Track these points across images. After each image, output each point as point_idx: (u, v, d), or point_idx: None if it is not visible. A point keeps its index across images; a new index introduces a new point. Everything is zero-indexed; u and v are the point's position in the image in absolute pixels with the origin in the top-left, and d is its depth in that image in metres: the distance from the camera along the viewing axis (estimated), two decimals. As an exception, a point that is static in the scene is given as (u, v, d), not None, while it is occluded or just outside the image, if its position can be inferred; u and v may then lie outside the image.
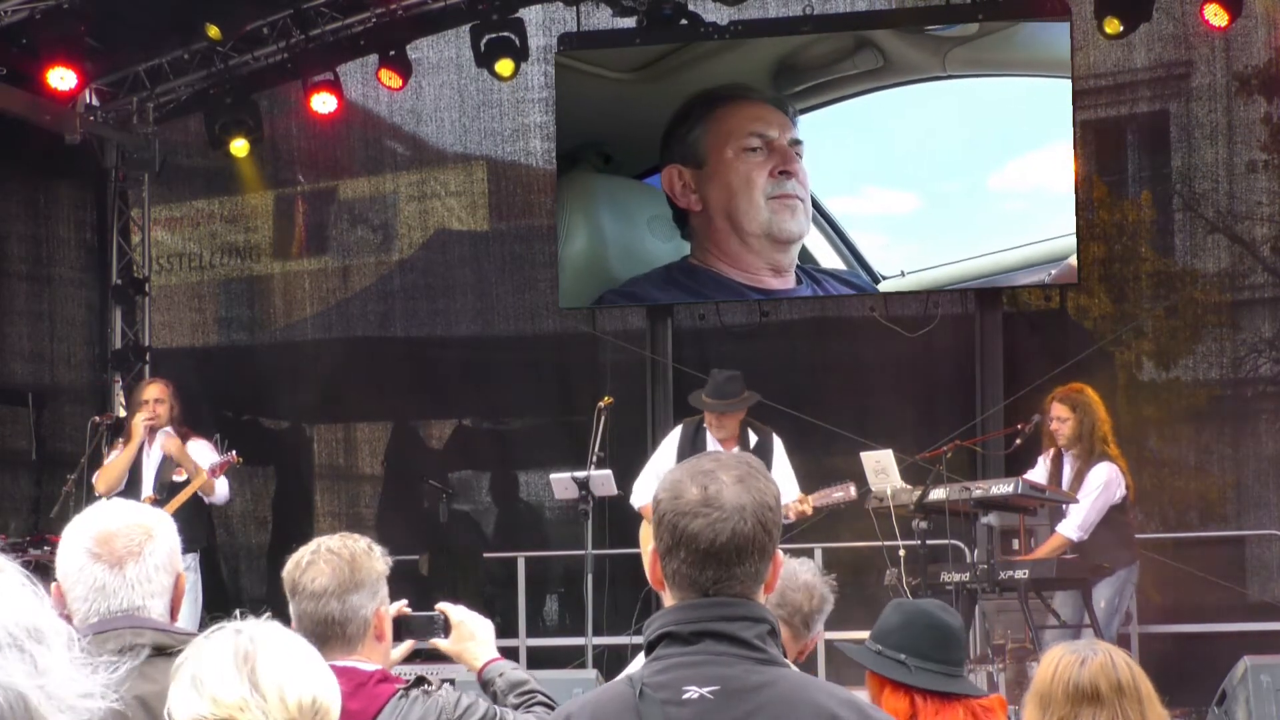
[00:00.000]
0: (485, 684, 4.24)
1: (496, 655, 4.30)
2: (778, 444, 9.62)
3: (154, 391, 10.29)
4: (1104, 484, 9.43)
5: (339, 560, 3.92)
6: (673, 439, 9.68)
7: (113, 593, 3.29)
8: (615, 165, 12.29)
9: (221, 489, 10.17)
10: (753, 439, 9.64)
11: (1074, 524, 9.39)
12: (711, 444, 9.46)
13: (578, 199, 12.39)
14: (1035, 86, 11.70)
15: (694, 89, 12.09)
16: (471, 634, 4.23)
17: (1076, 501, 9.42)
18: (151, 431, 10.20)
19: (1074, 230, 11.59)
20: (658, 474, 9.61)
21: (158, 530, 3.38)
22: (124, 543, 3.32)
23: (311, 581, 3.89)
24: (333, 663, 3.90)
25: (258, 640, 2.46)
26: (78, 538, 3.34)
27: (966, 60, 11.77)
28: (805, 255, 11.92)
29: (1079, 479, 9.49)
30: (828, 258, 11.93)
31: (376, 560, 3.97)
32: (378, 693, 3.89)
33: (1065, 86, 11.55)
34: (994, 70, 11.83)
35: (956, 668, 4.17)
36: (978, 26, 11.82)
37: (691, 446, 9.46)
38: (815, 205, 11.91)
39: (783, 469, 9.31)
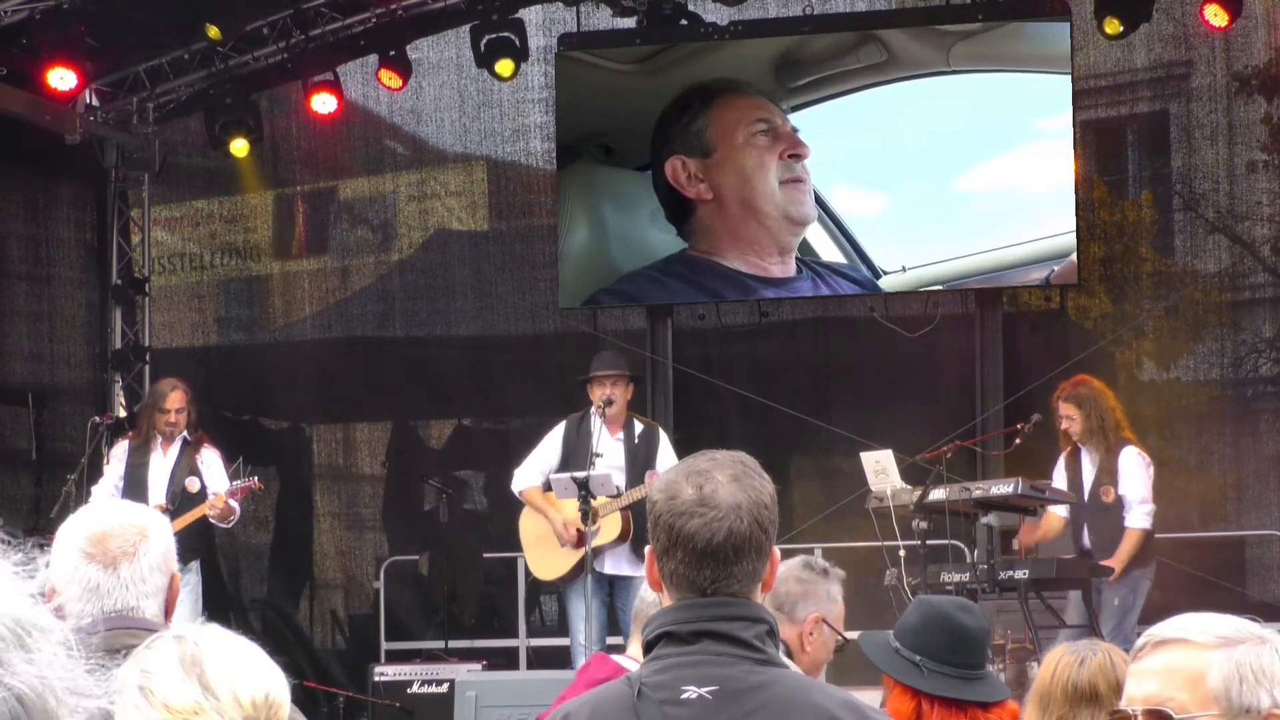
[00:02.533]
0: None
1: None
2: (663, 438, 9.68)
3: (176, 401, 10.08)
4: (1141, 465, 9.40)
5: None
6: (558, 429, 9.79)
7: (106, 593, 3.28)
8: (616, 157, 12.27)
9: (236, 513, 10.05)
10: (638, 428, 9.71)
11: (1142, 514, 9.34)
12: (597, 428, 9.54)
13: (579, 191, 12.37)
14: (1034, 82, 11.68)
15: (698, 80, 12.08)
16: None
17: (1076, 500, 9.41)
18: (168, 439, 10.13)
19: (1074, 228, 11.58)
20: (539, 462, 9.68)
21: (152, 530, 3.37)
22: (118, 543, 3.31)
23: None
24: (622, 657, 3.92)
25: (202, 644, 2.45)
26: (72, 538, 3.33)
27: (971, 55, 11.75)
28: (805, 248, 11.90)
29: (1106, 471, 9.43)
30: (828, 251, 11.92)
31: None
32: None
33: (1067, 82, 11.54)
34: (999, 66, 11.79)
35: (974, 670, 4.15)
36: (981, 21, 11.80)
37: (577, 433, 9.57)
38: (817, 198, 11.92)
39: (667, 463, 9.38)
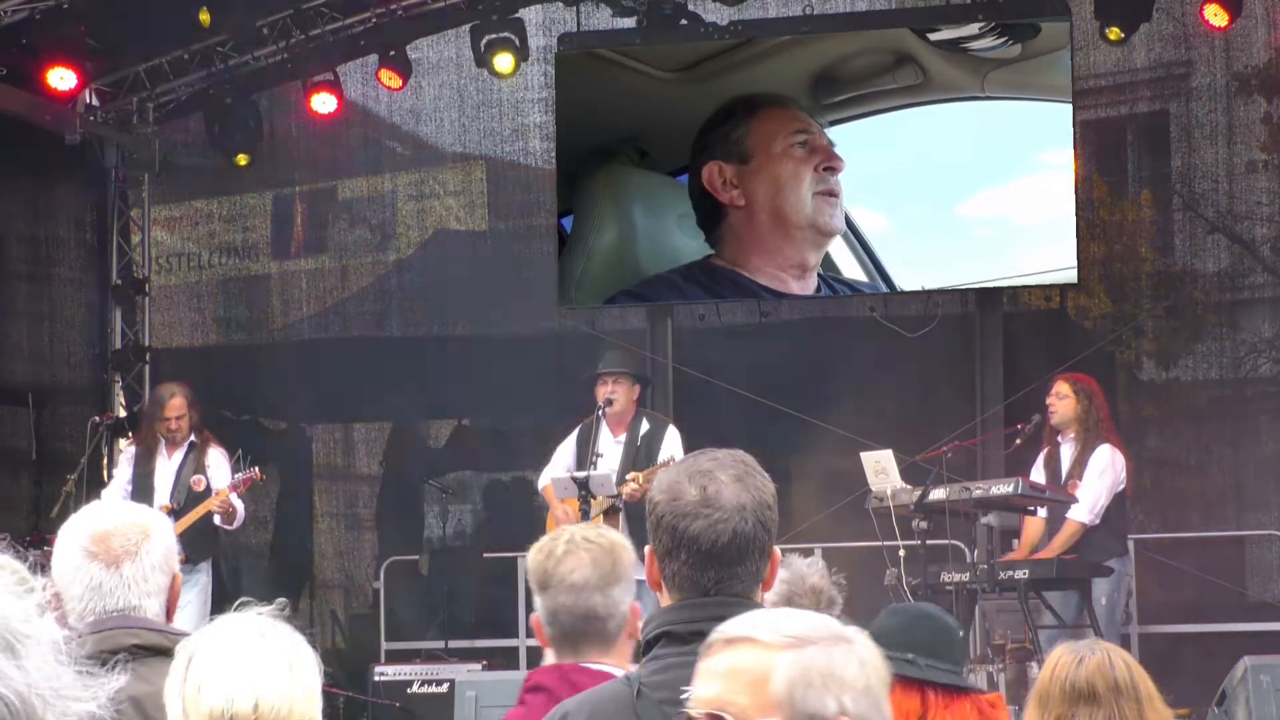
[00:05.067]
0: None
1: None
2: (670, 434, 9.65)
3: (176, 408, 10.01)
4: (1108, 465, 9.42)
5: (599, 550, 3.65)
6: (572, 435, 9.84)
7: (109, 592, 3.29)
8: (650, 161, 12.25)
9: (240, 512, 9.99)
10: (644, 428, 9.70)
11: (1085, 508, 9.37)
12: (605, 432, 9.57)
13: (611, 192, 12.31)
14: (1060, 111, 11.57)
15: (736, 93, 12.05)
16: None
17: (1076, 501, 9.41)
18: (173, 444, 10.09)
19: (1074, 261, 11.53)
20: (555, 463, 9.73)
21: (155, 530, 3.37)
22: (120, 542, 3.31)
23: (570, 573, 3.62)
24: (588, 664, 3.65)
25: (198, 649, 2.50)
26: (74, 536, 3.34)
27: (1007, 83, 11.67)
28: (828, 264, 11.88)
29: (1079, 465, 9.46)
30: (850, 268, 11.89)
31: (631, 552, 3.69)
32: None
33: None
34: (1034, 94, 11.62)
35: (959, 667, 4.21)
36: (1020, 49, 11.69)
37: (588, 435, 9.57)
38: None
39: (670, 453, 9.42)
